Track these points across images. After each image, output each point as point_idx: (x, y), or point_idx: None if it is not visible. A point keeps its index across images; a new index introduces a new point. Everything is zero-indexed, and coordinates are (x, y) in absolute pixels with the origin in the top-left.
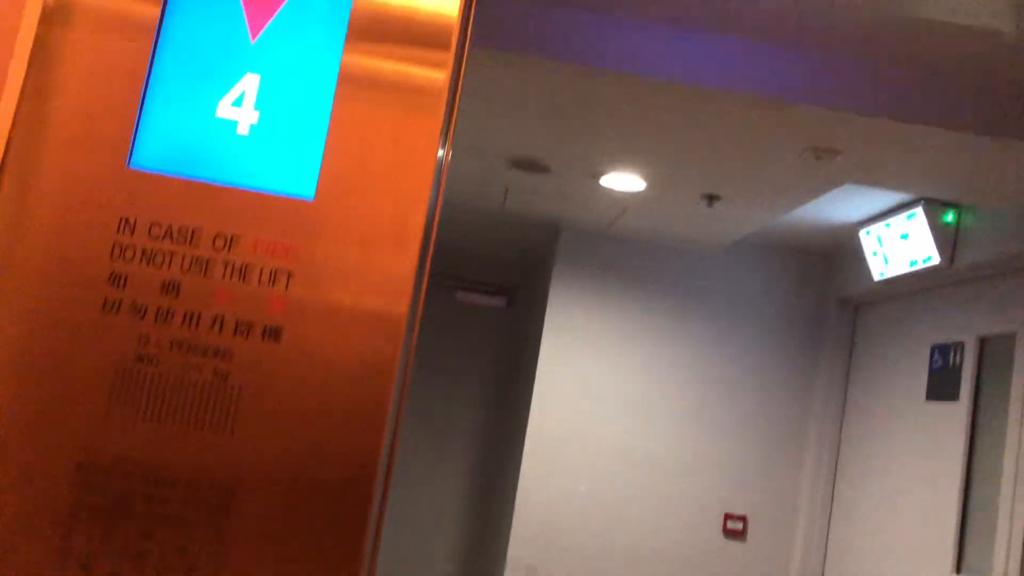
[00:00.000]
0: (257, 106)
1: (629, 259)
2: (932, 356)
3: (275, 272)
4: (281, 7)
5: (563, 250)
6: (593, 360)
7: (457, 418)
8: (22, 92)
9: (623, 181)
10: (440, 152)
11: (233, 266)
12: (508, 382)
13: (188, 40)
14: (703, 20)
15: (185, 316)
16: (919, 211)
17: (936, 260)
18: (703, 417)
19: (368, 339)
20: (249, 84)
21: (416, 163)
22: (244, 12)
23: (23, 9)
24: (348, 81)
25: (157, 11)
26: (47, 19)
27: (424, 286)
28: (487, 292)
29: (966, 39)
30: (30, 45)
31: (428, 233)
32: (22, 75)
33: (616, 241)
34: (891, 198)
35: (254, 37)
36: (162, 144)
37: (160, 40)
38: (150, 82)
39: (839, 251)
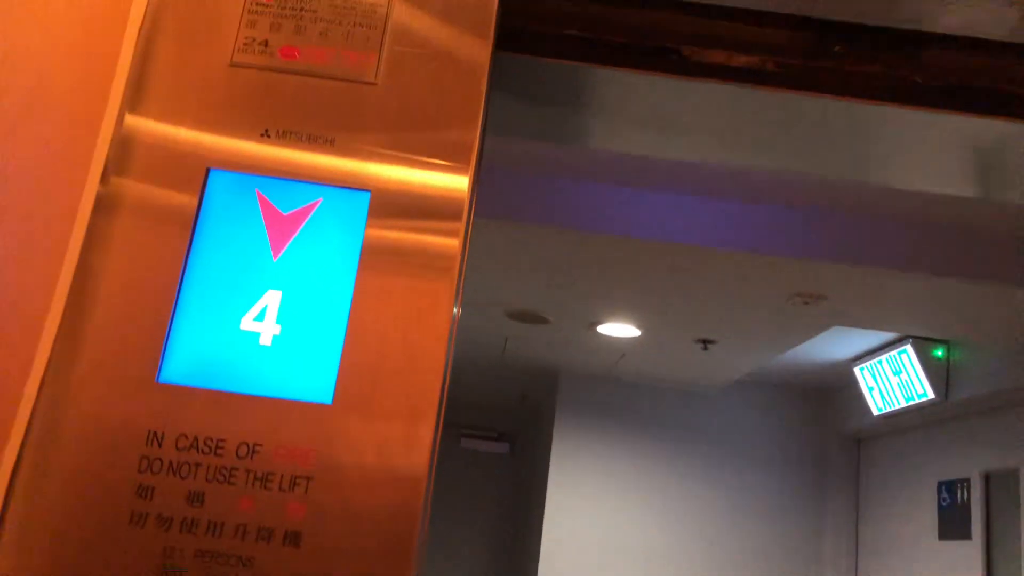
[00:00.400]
0: (279, 320)
1: (630, 402)
2: (940, 493)
3: (295, 478)
4: (301, 227)
5: (564, 394)
6: (600, 505)
7: (462, 566)
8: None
9: (619, 329)
10: (448, 341)
11: (255, 474)
12: (513, 529)
13: (215, 261)
14: (695, 188)
15: (209, 525)
16: (908, 347)
17: (931, 395)
18: (713, 558)
19: (386, 537)
20: (271, 299)
21: (427, 360)
22: (267, 233)
23: (80, 199)
24: (363, 293)
25: (187, 233)
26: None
27: (435, 465)
28: (490, 438)
29: (940, 202)
30: (83, 235)
31: (440, 411)
32: (74, 265)
33: (616, 384)
34: (883, 335)
35: (276, 255)
36: (189, 358)
37: (189, 259)
38: (179, 300)
39: (838, 387)
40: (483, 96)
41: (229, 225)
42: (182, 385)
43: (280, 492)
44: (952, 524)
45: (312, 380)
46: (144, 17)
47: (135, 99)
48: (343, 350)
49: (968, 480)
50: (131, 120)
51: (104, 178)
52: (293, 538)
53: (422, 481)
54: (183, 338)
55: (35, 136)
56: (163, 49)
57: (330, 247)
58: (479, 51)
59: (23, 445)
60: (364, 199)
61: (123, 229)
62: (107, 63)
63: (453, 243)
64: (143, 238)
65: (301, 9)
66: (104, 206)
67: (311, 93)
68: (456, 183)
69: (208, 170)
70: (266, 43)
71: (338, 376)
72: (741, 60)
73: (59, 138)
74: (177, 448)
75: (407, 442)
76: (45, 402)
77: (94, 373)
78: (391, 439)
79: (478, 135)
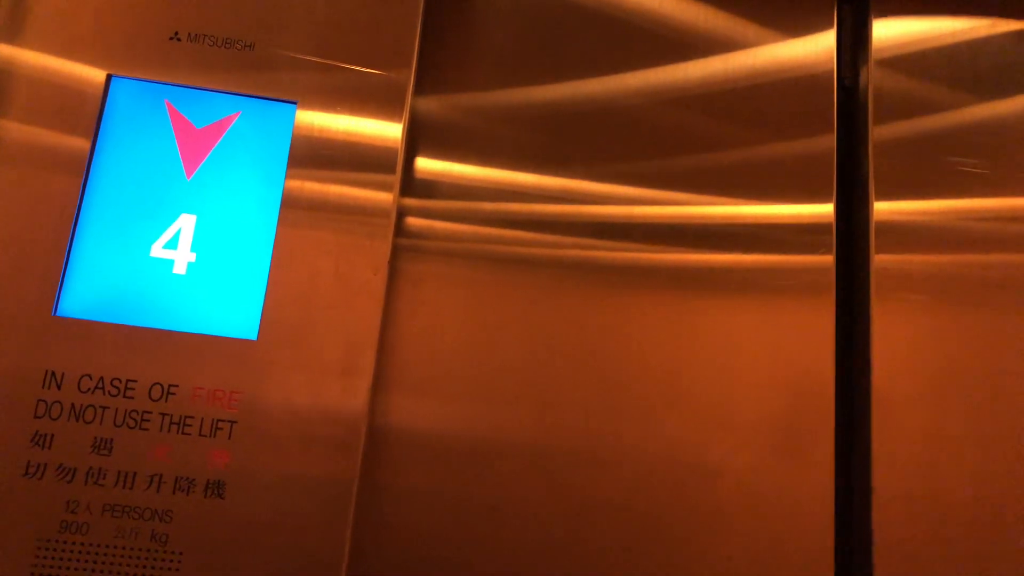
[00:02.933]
0: (194, 246)
1: None
2: None
3: (216, 422)
4: (217, 143)
5: None
6: None
7: None
8: None
9: None
10: (386, 269)
11: (171, 419)
12: None
13: (119, 181)
14: None
15: (119, 476)
16: None
17: None
18: None
19: (321, 479)
20: (185, 223)
21: (363, 291)
22: (179, 150)
23: None
24: (289, 218)
25: (87, 146)
26: None
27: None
28: None
29: None
30: None
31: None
32: None
33: None
34: None
35: (189, 174)
36: (92, 289)
37: (90, 178)
38: (78, 224)
39: None
40: (419, 1)
41: (135, 141)
42: (84, 319)
43: (200, 438)
44: None
45: (234, 314)
46: None
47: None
48: (268, 280)
49: None
50: (17, 25)
51: None
52: (216, 488)
53: (361, 423)
54: (84, 267)
55: None
56: None
57: (251, 165)
58: None
59: None
60: (289, 112)
61: (10, 149)
62: None
63: (392, 144)
64: (35, 156)
65: None
66: None
67: None
68: (392, 92)
69: (109, 77)
70: None
71: (263, 309)
72: None
73: None
74: (80, 390)
75: (343, 382)
76: None
77: None
78: (325, 378)
79: (417, 35)
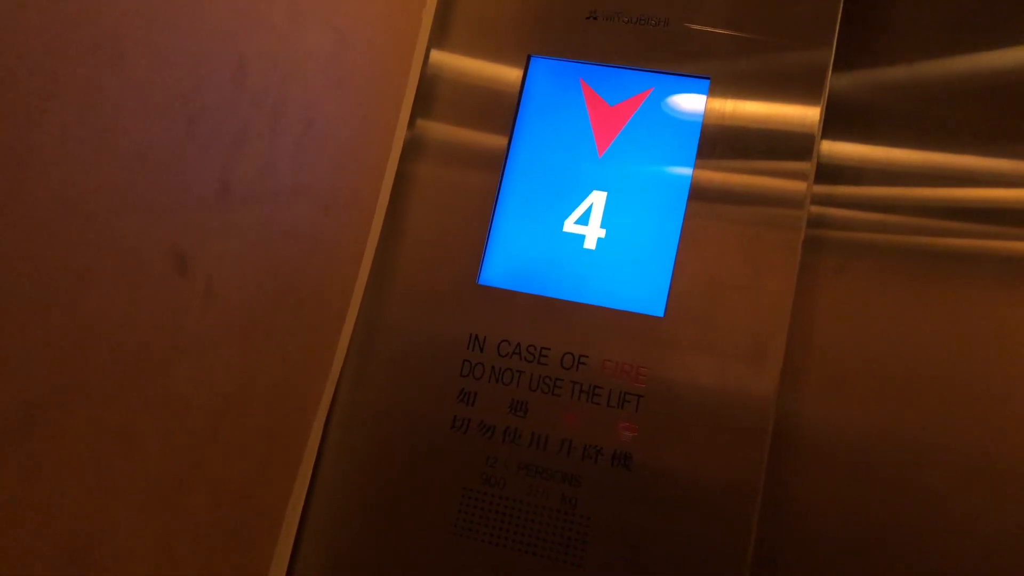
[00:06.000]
0: (604, 223)
1: None
2: None
3: (624, 394)
4: (628, 120)
5: None
6: None
7: None
8: (386, 217)
9: None
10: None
11: (581, 387)
12: None
13: (536, 157)
14: None
15: (532, 437)
16: None
17: None
18: None
19: (726, 465)
20: (596, 200)
21: (774, 275)
22: (592, 127)
23: (393, 139)
24: (699, 196)
25: (505, 141)
26: (405, 154)
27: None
28: None
29: None
30: (394, 176)
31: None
32: (387, 202)
33: None
34: None
35: (601, 152)
36: (510, 260)
37: (509, 157)
38: (500, 197)
39: None
40: None
41: (551, 119)
42: (504, 289)
43: (609, 409)
44: None
45: (641, 290)
46: None
47: None
48: (676, 259)
49: None
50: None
51: (425, 64)
52: (623, 459)
53: (769, 411)
54: (504, 240)
55: (345, 87)
56: None
57: (662, 142)
58: None
59: (348, 353)
60: (702, 88)
61: (441, 128)
62: None
63: (808, 130)
64: (461, 134)
65: None
66: (424, 96)
67: None
68: (812, 63)
69: (529, 58)
70: None
71: (670, 287)
72: None
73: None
74: (499, 354)
75: (751, 366)
76: (366, 311)
77: (416, 276)
78: (733, 361)
79: (837, 21)
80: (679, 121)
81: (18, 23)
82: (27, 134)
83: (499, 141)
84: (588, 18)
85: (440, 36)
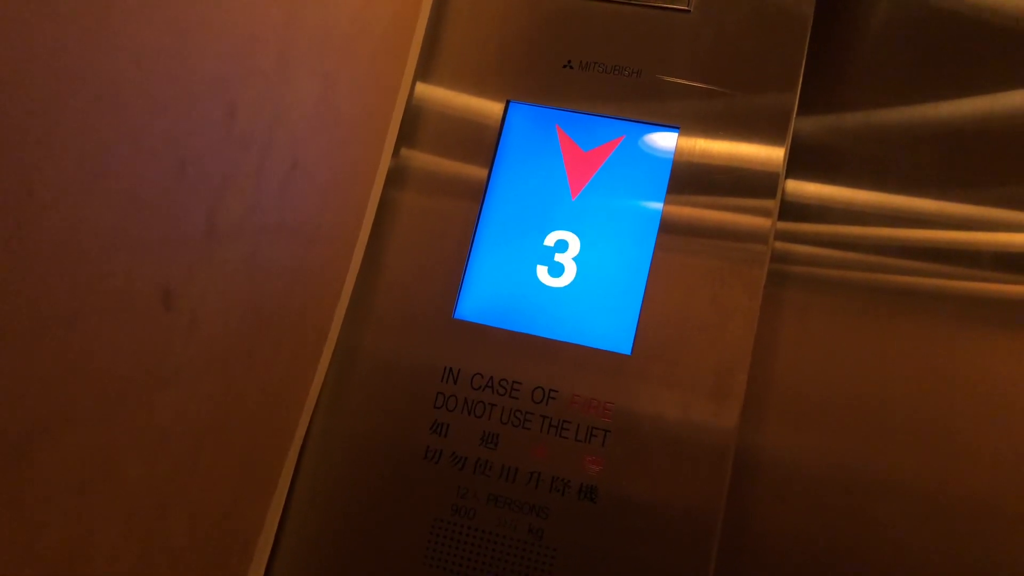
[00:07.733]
0: (576, 262)
1: None
2: None
3: (592, 429)
4: (601, 166)
5: None
6: None
7: None
8: (366, 249)
9: None
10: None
11: (551, 421)
12: None
13: (513, 197)
14: None
15: (502, 469)
16: None
17: None
18: None
19: (688, 495)
20: (570, 241)
21: (738, 317)
22: (566, 171)
23: (376, 171)
24: (667, 239)
25: (485, 175)
26: (388, 181)
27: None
28: None
29: None
30: (376, 205)
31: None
32: (367, 235)
33: None
34: None
35: (574, 195)
36: (485, 295)
37: (486, 198)
38: (477, 234)
39: None
40: (808, 24)
41: (527, 162)
42: (478, 323)
43: (576, 443)
44: None
45: (610, 328)
46: None
47: (438, 17)
48: (643, 299)
49: None
50: (432, 39)
51: (409, 98)
52: (589, 492)
53: (730, 446)
54: (480, 276)
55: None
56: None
57: (631, 187)
58: None
59: (324, 382)
60: (671, 137)
61: (423, 158)
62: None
63: (774, 169)
64: (444, 164)
65: None
66: (408, 126)
67: (618, 20)
68: (777, 107)
69: (508, 103)
70: None
71: (638, 326)
72: None
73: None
74: (472, 387)
75: (714, 402)
76: (344, 341)
77: (394, 309)
78: (696, 397)
79: (803, 59)
80: (648, 168)
81: (22, 77)
82: (28, 178)
83: (480, 173)
84: (565, 66)
85: (425, 74)
